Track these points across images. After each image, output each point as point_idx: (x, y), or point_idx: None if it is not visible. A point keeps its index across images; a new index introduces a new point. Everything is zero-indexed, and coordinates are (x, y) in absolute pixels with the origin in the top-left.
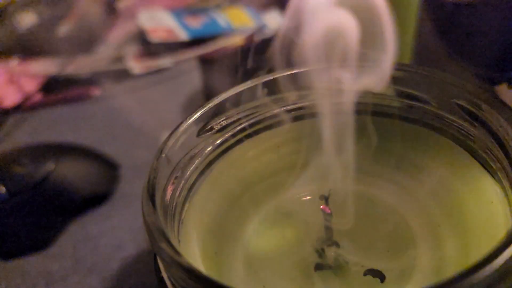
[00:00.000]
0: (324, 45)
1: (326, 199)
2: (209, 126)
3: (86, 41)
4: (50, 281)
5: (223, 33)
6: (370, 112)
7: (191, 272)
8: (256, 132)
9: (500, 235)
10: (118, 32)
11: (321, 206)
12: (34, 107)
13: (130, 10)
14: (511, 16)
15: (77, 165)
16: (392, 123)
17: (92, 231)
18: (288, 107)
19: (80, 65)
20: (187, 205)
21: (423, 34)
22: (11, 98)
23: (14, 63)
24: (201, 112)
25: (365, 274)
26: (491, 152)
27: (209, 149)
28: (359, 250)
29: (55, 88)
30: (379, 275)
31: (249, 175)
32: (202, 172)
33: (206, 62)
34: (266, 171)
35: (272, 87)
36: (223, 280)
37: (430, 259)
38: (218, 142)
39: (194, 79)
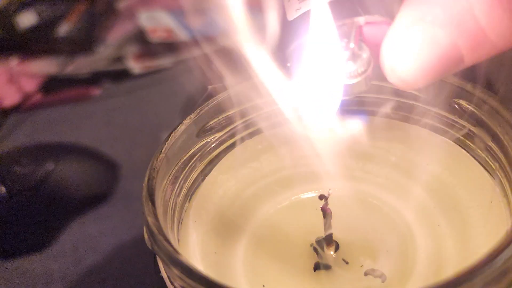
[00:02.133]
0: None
1: (326, 199)
2: (209, 126)
3: (86, 41)
4: (50, 281)
5: (223, 33)
6: (370, 112)
7: (191, 272)
8: (256, 132)
9: (500, 235)
10: (118, 32)
11: (321, 206)
12: (34, 107)
13: (130, 10)
14: None
15: (77, 165)
16: (392, 123)
17: (92, 231)
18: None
19: (80, 65)
20: (187, 205)
21: None
22: (11, 98)
23: (14, 63)
24: (201, 112)
25: (366, 274)
26: (491, 152)
27: (209, 149)
28: (358, 250)
29: (55, 88)
30: (381, 275)
31: (249, 174)
32: (202, 172)
33: (206, 62)
34: (265, 171)
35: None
36: (223, 280)
37: (430, 259)
38: (218, 142)
39: (194, 79)
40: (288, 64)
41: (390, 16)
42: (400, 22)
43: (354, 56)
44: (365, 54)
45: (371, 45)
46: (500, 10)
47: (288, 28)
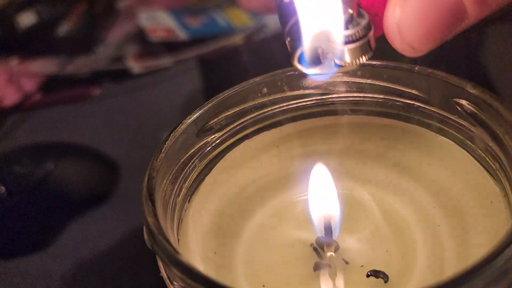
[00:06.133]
0: None
1: (325, 199)
2: (209, 126)
3: (86, 41)
4: (50, 281)
5: (223, 33)
6: (370, 112)
7: (191, 272)
8: (256, 132)
9: (500, 235)
10: (118, 32)
11: (321, 206)
12: (34, 107)
13: (130, 10)
14: None
15: (77, 165)
16: (392, 123)
17: (92, 231)
18: (288, 107)
19: (80, 65)
20: (187, 205)
21: None
22: (11, 98)
23: (14, 63)
24: (201, 112)
25: (368, 275)
26: (491, 152)
27: (208, 149)
28: (358, 250)
29: (55, 88)
30: (383, 276)
31: (249, 174)
32: (202, 172)
33: (206, 62)
34: (265, 171)
35: (272, 86)
36: (223, 280)
37: (430, 259)
38: (218, 142)
39: (194, 79)
40: (288, 39)
41: None
42: None
43: (354, 22)
44: (365, 20)
45: (370, 15)
46: None
47: (285, 8)
